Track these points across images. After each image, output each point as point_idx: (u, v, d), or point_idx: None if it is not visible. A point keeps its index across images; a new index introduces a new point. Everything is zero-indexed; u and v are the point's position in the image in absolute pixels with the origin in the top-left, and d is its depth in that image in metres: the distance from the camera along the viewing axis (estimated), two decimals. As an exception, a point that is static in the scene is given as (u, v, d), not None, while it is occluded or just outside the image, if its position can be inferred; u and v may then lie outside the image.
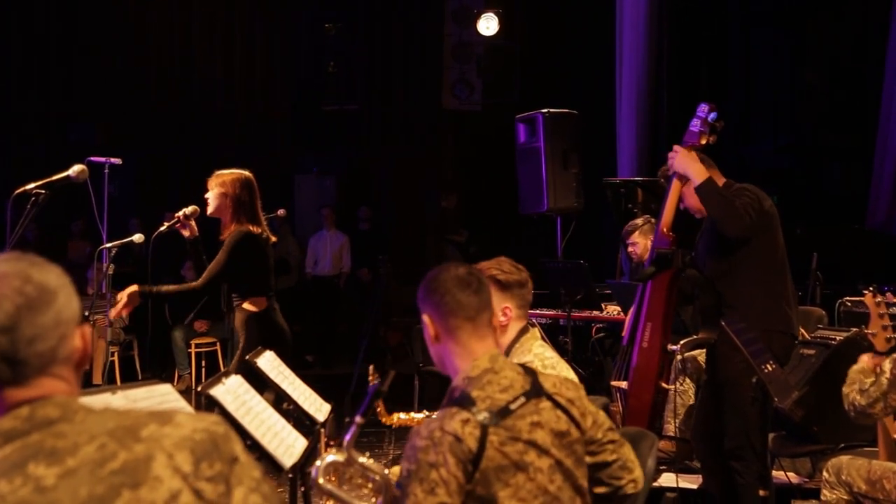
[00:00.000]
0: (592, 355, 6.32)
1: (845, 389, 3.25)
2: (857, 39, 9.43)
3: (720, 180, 4.04)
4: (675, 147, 4.09)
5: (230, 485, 1.37)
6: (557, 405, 2.14)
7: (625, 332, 4.75)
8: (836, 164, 9.90)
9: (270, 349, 3.51)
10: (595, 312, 6.19)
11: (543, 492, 2.05)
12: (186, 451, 1.34)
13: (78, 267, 8.60)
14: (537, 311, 6.15)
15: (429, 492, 1.93)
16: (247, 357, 3.41)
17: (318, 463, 2.02)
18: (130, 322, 8.41)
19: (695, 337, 4.35)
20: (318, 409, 3.32)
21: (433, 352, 2.25)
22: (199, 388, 2.76)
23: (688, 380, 5.04)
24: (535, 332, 3.06)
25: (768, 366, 3.46)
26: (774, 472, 4.27)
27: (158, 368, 8.78)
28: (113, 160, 4.85)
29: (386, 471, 2.07)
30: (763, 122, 10.69)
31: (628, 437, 2.69)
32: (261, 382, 3.23)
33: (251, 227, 4.53)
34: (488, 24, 11.19)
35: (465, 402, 2.05)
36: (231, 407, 2.67)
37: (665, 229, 4.18)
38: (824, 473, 3.46)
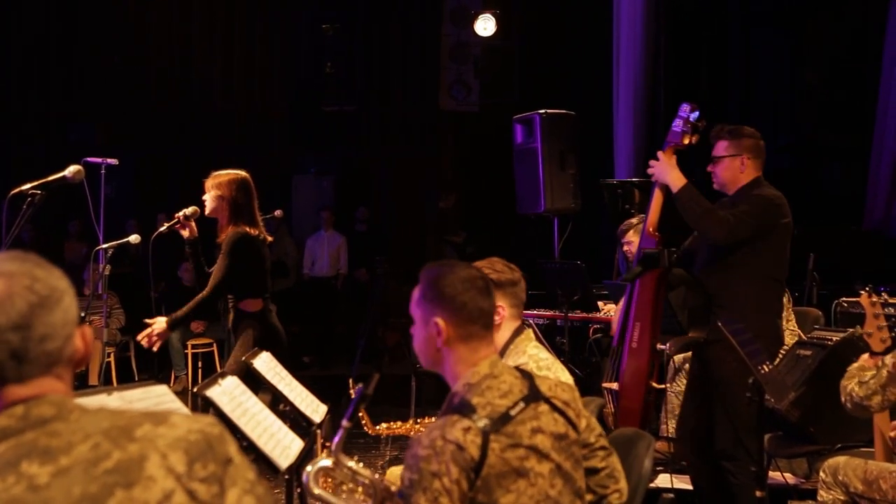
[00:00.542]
0: (589, 356, 6.31)
1: (843, 382, 3.25)
2: (857, 39, 9.42)
3: (756, 173, 4.02)
4: (658, 154, 4.13)
5: (224, 486, 1.37)
6: (555, 408, 2.14)
7: (613, 332, 4.75)
8: (836, 163, 9.90)
9: (266, 350, 3.51)
10: (592, 313, 6.19)
11: (545, 497, 2.05)
12: (180, 451, 1.34)
13: (74, 268, 8.59)
14: (534, 312, 6.15)
15: (432, 501, 1.92)
16: (243, 358, 3.41)
17: (308, 468, 2.01)
18: (127, 323, 8.42)
19: (684, 336, 4.35)
20: (315, 410, 3.32)
21: (431, 353, 2.18)
22: (195, 389, 2.75)
23: (684, 380, 5.04)
24: (529, 333, 3.05)
25: (765, 366, 3.46)
26: (771, 473, 4.28)
27: (155, 369, 8.77)
28: (109, 161, 4.85)
29: (376, 475, 2.06)
30: (762, 121, 10.67)
31: (625, 438, 2.70)
32: (257, 383, 3.23)
33: (248, 229, 4.53)
34: (486, 25, 11.19)
35: (466, 409, 2.03)
36: (227, 408, 2.67)
37: (651, 229, 4.20)
38: (821, 474, 3.47)
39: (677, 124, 4.14)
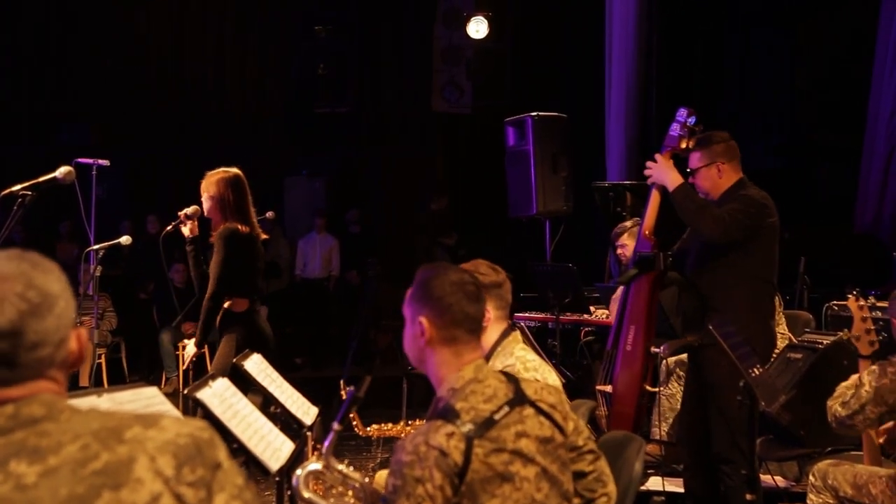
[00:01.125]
0: (581, 359, 6.31)
1: (829, 402, 3.26)
2: (853, 40, 9.42)
3: (736, 175, 4.03)
4: (655, 156, 4.13)
5: (212, 491, 1.36)
6: (540, 411, 2.14)
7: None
8: (829, 165, 9.91)
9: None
10: (584, 316, 6.19)
11: (531, 501, 2.04)
12: (169, 454, 1.34)
13: (66, 269, 8.51)
14: (525, 315, 6.15)
15: None
16: (234, 360, 3.40)
17: (298, 472, 2.01)
18: (118, 324, 8.39)
19: (678, 339, 4.36)
20: (306, 412, 3.32)
21: (416, 351, 2.20)
22: (185, 391, 2.75)
23: (675, 383, 5.05)
24: (517, 335, 3.05)
25: (755, 369, 3.46)
26: (761, 476, 4.28)
27: (146, 371, 8.75)
28: (101, 162, 4.84)
29: (366, 478, 2.06)
30: (757, 121, 10.66)
31: (615, 441, 2.70)
32: (246, 384, 3.22)
33: (239, 226, 4.51)
34: (478, 27, 11.18)
35: (450, 414, 2.03)
36: (218, 410, 2.66)
37: (647, 232, 4.21)
38: (810, 478, 3.48)
39: (675, 128, 4.14)
